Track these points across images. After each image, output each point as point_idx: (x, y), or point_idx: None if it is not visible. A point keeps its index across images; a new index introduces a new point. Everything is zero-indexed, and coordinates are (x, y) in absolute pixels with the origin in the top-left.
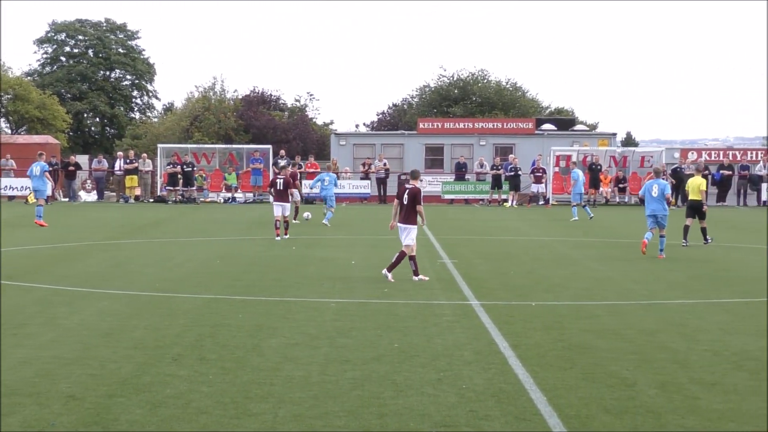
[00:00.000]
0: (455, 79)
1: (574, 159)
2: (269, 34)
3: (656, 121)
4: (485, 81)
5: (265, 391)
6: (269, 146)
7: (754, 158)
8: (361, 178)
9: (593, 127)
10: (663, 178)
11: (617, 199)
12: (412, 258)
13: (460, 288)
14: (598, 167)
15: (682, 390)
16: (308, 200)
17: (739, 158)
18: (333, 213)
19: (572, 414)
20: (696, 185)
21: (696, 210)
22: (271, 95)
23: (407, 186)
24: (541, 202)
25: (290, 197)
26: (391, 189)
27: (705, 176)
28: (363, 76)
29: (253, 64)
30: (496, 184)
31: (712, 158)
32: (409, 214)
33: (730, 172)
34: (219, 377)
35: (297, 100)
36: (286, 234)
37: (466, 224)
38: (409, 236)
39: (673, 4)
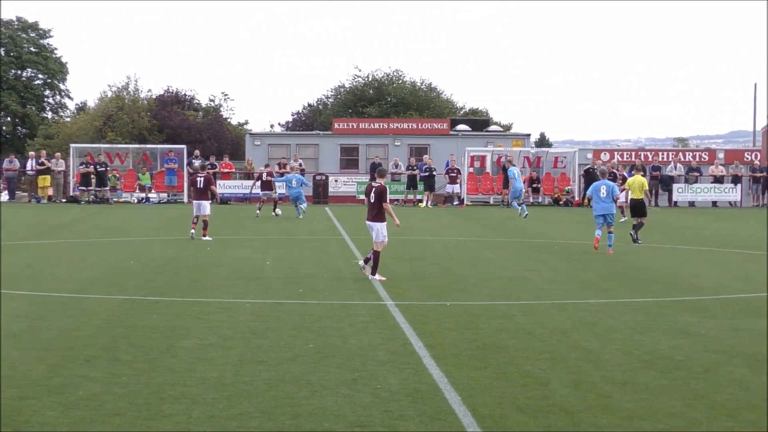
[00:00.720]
0: (370, 79)
1: (494, 159)
2: (184, 34)
3: (570, 121)
4: (400, 81)
5: (178, 392)
6: (183, 146)
7: (665, 159)
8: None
9: (507, 127)
10: (610, 178)
11: (531, 200)
12: (376, 255)
13: (375, 288)
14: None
15: (594, 389)
16: (223, 200)
17: (650, 159)
18: (304, 209)
19: (486, 413)
20: (638, 184)
21: (637, 209)
22: (185, 95)
23: (374, 184)
24: (456, 203)
25: (210, 196)
26: (307, 190)
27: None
28: (278, 77)
29: (168, 64)
30: (411, 184)
31: (624, 159)
32: (375, 212)
33: (642, 173)
34: (132, 378)
35: (211, 100)
36: (204, 233)
37: None
38: (380, 233)
39: (587, 5)
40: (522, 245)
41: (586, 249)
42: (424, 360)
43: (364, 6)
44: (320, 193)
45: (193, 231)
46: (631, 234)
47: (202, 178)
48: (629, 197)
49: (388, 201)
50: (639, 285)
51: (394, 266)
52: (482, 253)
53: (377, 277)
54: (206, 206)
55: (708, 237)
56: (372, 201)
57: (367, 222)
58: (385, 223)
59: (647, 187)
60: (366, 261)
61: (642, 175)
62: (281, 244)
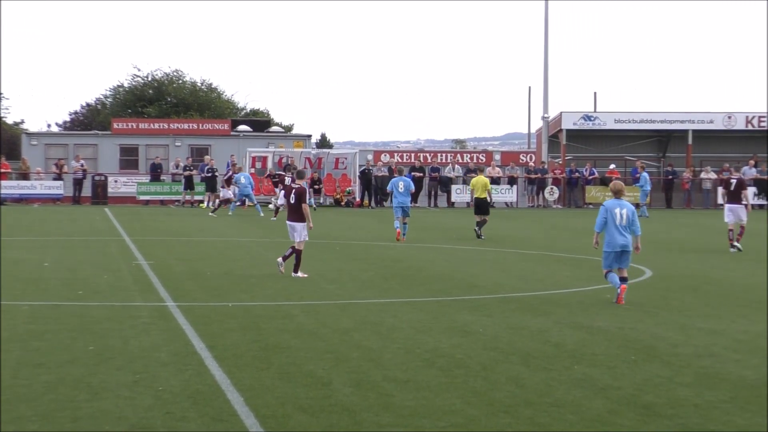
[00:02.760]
0: (150, 79)
1: (275, 160)
2: None
3: (350, 122)
4: (180, 82)
5: None
6: None
7: (444, 160)
8: (54, 179)
9: (289, 128)
10: (407, 175)
11: (312, 201)
12: (298, 253)
13: (156, 289)
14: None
15: (376, 388)
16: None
17: (429, 160)
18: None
19: (269, 414)
20: (481, 184)
21: (481, 207)
22: None
23: (294, 186)
24: (238, 203)
25: None
26: (86, 190)
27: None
28: (54, 75)
29: None
30: (189, 185)
31: (405, 160)
32: (296, 212)
33: (421, 174)
34: None
35: None
36: None
37: (161, 225)
38: (301, 233)
39: (364, 5)
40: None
41: (367, 248)
42: (206, 361)
43: (142, 5)
44: (99, 194)
45: None
46: (475, 230)
47: None
48: (473, 196)
49: (307, 202)
50: (420, 284)
51: (175, 267)
52: (264, 253)
53: (300, 274)
54: None
55: (485, 237)
56: (292, 202)
57: (289, 222)
58: (305, 223)
59: (490, 187)
60: (285, 258)
61: (485, 176)
62: (59, 246)
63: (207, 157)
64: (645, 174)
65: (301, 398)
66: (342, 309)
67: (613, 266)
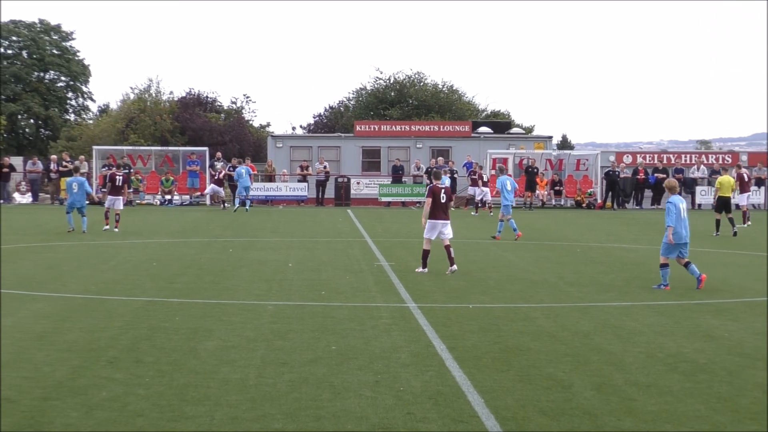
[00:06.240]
0: (392, 81)
1: (516, 161)
2: (206, 36)
3: (592, 123)
4: (422, 83)
5: (201, 394)
6: (205, 148)
7: (688, 161)
8: (299, 180)
9: (529, 130)
10: (508, 174)
11: (553, 202)
12: (450, 248)
13: (397, 290)
14: (535, 170)
15: (617, 392)
16: (243, 202)
17: (673, 161)
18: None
19: (509, 416)
20: (728, 183)
21: (726, 205)
22: (207, 97)
23: (440, 186)
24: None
25: (123, 192)
26: (329, 192)
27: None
28: (299, 78)
29: (190, 66)
30: None
31: (647, 161)
32: (447, 210)
33: (665, 175)
34: (155, 380)
35: (233, 102)
36: (117, 225)
37: (402, 227)
38: (450, 229)
39: (610, 5)
40: (543, 247)
41: (607, 251)
42: (447, 362)
43: (385, 6)
44: (342, 195)
45: (107, 227)
46: (732, 225)
47: (121, 177)
48: (717, 195)
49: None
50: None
51: (416, 268)
52: (503, 255)
53: (453, 267)
54: (120, 202)
55: (730, 239)
56: (444, 200)
57: (444, 221)
58: None
59: (735, 186)
60: (452, 262)
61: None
62: (303, 246)
63: (433, 160)
64: None
65: (542, 401)
66: (582, 312)
67: (673, 256)
